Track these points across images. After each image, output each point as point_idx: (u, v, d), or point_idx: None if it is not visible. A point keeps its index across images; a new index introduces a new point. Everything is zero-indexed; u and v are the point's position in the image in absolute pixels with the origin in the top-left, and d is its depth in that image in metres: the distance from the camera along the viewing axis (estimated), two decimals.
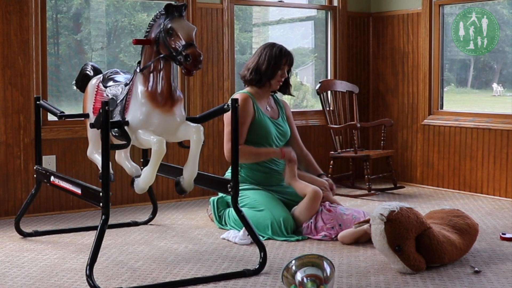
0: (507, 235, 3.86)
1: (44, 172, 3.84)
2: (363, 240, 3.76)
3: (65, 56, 5.13)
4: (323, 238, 3.87)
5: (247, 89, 4.29)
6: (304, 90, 6.35)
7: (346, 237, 3.77)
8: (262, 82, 4.20)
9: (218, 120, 5.20)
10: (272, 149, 4.15)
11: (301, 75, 6.39)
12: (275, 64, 4.16)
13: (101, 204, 3.07)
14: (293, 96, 4.60)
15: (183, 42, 3.09)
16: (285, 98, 4.73)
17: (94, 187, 3.23)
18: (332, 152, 5.47)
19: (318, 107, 5.76)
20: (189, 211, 4.73)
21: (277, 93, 4.43)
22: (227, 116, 4.07)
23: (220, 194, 4.24)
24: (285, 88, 4.35)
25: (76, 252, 3.63)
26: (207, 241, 3.88)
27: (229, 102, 3.31)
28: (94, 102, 3.67)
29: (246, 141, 4.16)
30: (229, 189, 3.35)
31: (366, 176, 5.29)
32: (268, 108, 4.29)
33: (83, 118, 3.90)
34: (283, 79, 4.24)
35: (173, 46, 3.12)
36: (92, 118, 3.68)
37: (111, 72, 3.71)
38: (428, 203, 5.00)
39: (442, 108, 5.70)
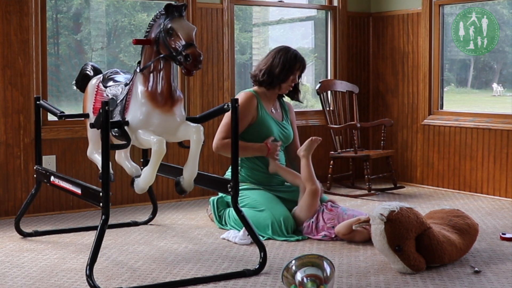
0: (507, 235, 3.86)
1: (44, 172, 3.84)
2: (359, 237, 3.76)
3: (65, 56, 5.13)
4: (323, 238, 3.87)
5: (254, 88, 4.27)
6: (304, 90, 6.35)
7: (342, 228, 3.76)
8: (273, 84, 4.18)
9: (218, 120, 5.19)
10: (258, 145, 4.13)
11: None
12: (289, 68, 4.14)
13: (101, 204, 3.07)
14: (302, 102, 4.57)
15: (183, 42, 3.09)
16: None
17: (94, 187, 3.23)
18: (332, 152, 5.47)
19: (318, 107, 5.76)
20: (189, 211, 4.73)
21: (284, 97, 4.41)
22: (226, 114, 4.07)
23: (220, 194, 4.24)
24: (294, 93, 4.33)
25: (76, 252, 3.63)
26: (207, 241, 3.88)
27: (230, 102, 3.31)
28: (94, 102, 3.67)
29: (247, 140, 4.15)
30: (229, 189, 3.35)
31: (366, 176, 5.28)
32: (273, 110, 4.27)
33: (83, 118, 3.90)
34: (293, 84, 4.22)
35: (173, 46, 3.12)
36: (92, 118, 3.68)
37: (111, 72, 3.71)
38: (428, 203, 5.00)
39: (442, 108, 5.70)
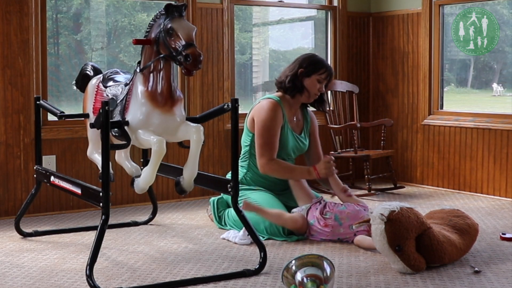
0: (507, 235, 3.86)
1: (44, 172, 3.84)
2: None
3: (65, 56, 5.13)
4: (323, 239, 3.84)
5: (278, 94, 4.17)
6: None
7: (363, 244, 3.68)
8: (296, 89, 4.08)
9: (218, 120, 5.20)
10: (306, 169, 4.02)
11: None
12: (313, 69, 4.05)
13: (101, 204, 3.08)
14: (329, 110, 4.47)
15: (183, 42, 3.09)
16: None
17: (94, 187, 3.23)
18: (332, 152, 5.47)
19: None
20: (189, 211, 4.73)
21: (309, 107, 4.32)
22: (258, 127, 4.01)
23: (221, 194, 4.24)
24: (320, 103, 4.24)
25: (76, 252, 3.63)
26: (207, 241, 3.88)
27: (230, 102, 3.31)
28: (94, 102, 3.67)
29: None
30: (229, 189, 3.35)
31: (366, 176, 5.29)
32: (294, 119, 4.18)
33: (83, 118, 3.90)
34: (319, 93, 4.12)
35: (173, 46, 3.12)
36: (92, 118, 3.68)
37: (111, 72, 3.71)
38: (428, 203, 5.00)
39: (442, 108, 5.70)
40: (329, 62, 5.95)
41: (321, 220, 3.82)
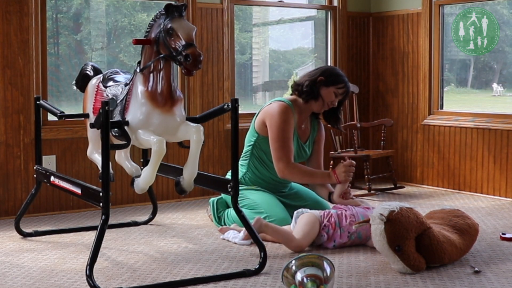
0: (507, 235, 3.86)
1: (44, 172, 3.84)
2: None
3: (65, 56, 5.13)
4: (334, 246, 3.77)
5: (291, 98, 4.13)
6: None
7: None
8: (312, 95, 4.05)
9: (218, 120, 5.21)
10: (327, 173, 4.00)
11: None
12: (333, 81, 4.04)
13: (101, 204, 3.08)
14: (343, 131, 4.45)
15: (183, 42, 3.10)
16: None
17: (94, 187, 3.23)
18: (332, 152, 5.47)
19: None
20: (189, 211, 4.73)
21: (320, 118, 4.27)
22: (272, 130, 3.97)
23: (220, 195, 4.24)
24: (335, 120, 4.20)
25: (76, 252, 3.63)
26: (207, 241, 3.88)
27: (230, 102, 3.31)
28: (94, 102, 3.67)
29: (265, 151, 4.08)
30: (229, 189, 3.35)
31: (366, 176, 5.29)
32: (303, 126, 4.15)
33: (83, 118, 3.90)
34: (331, 105, 4.08)
35: (173, 46, 3.13)
36: (92, 118, 3.68)
37: (111, 72, 3.71)
38: (428, 203, 5.00)
39: (442, 108, 5.70)
40: (329, 62, 5.97)
41: (347, 231, 3.72)
